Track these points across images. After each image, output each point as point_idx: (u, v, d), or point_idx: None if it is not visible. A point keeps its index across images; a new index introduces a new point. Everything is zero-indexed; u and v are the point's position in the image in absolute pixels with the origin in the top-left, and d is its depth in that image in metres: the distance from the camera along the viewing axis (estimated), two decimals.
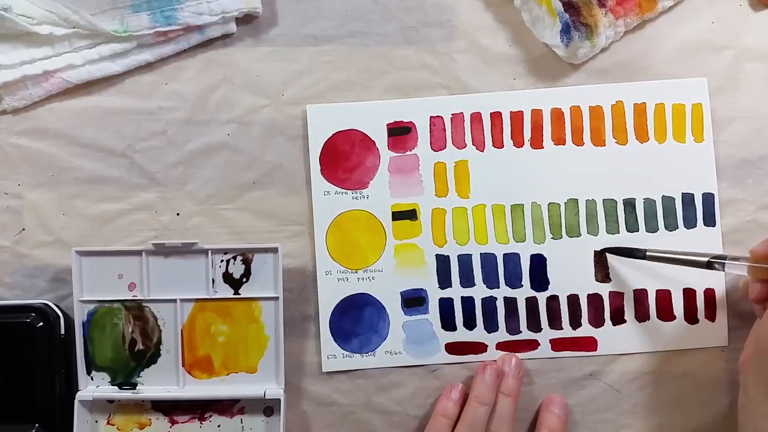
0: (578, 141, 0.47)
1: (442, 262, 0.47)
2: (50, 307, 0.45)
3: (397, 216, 0.47)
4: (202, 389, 0.46)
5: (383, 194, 0.47)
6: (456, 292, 0.47)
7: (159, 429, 0.46)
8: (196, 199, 0.47)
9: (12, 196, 0.47)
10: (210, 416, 0.46)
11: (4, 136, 0.47)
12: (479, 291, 0.47)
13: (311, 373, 0.47)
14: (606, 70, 0.47)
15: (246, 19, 0.47)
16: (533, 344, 0.47)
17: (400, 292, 0.47)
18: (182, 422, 0.46)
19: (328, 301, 0.47)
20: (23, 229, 0.47)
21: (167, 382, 0.46)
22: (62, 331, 0.45)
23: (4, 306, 0.45)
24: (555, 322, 0.47)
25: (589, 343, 0.47)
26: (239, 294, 0.46)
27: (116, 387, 0.45)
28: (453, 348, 0.47)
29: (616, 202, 0.47)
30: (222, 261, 0.45)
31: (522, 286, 0.47)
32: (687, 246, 0.46)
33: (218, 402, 0.46)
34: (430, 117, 0.47)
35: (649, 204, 0.47)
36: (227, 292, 0.46)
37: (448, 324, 0.47)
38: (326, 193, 0.47)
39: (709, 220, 0.47)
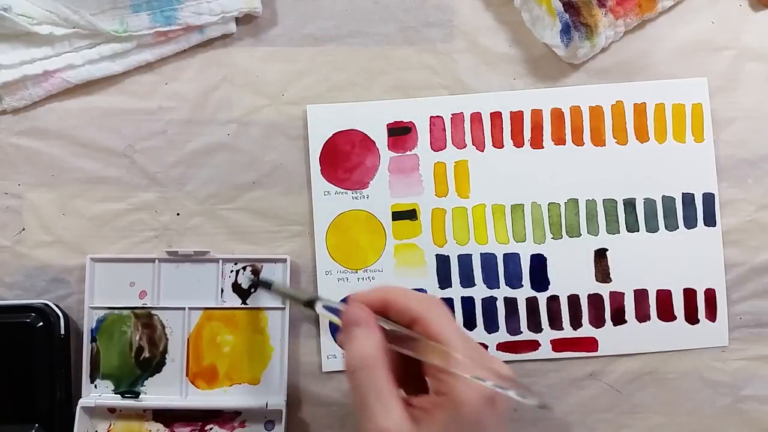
0: (578, 141, 0.47)
1: (442, 262, 0.47)
2: (50, 307, 0.45)
3: (397, 216, 0.47)
4: (204, 399, 0.46)
5: (383, 194, 0.47)
6: (456, 292, 0.47)
7: None
8: (196, 199, 0.47)
9: (12, 196, 0.47)
10: (211, 428, 0.46)
11: (4, 136, 0.47)
12: (479, 291, 0.47)
13: (311, 373, 0.47)
14: (606, 70, 0.47)
15: (246, 19, 0.47)
16: (534, 345, 0.47)
17: None
18: None
19: None
20: (23, 229, 0.47)
21: (170, 392, 0.46)
22: (62, 331, 0.45)
23: (4, 306, 0.45)
24: (555, 323, 0.47)
25: (590, 344, 0.47)
26: (247, 304, 0.46)
27: (119, 395, 0.45)
28: None
29: (617, 202, 0.47)
30: (232, 271, 0.46)
31: (522, 286, 0.47)
32: (687, 246, 0.47)
33: (220, 414, 0.46)
34: (430, 117, 0.47)
35: (650, 204, 0.47)
36: (235, 301, 0.46)
37: None
38: (326, 193, 0.47)
39: (710, 220, 0.47)
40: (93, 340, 0.45)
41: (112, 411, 0.46)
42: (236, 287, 0.46)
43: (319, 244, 0.47)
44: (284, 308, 0.45)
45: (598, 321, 0.47)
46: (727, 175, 0.47)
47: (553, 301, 0.47)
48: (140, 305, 0.46)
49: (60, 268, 0.47)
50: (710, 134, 0.47)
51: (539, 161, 0.47)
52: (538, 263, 0.47)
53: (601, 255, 0.47)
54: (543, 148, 0.47)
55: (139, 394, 0.46)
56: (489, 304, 0.47)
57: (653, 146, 0.47)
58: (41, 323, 0.44)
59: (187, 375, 0.46)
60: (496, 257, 0.47)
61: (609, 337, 0.47)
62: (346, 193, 0.47)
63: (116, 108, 0.47)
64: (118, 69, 0.47)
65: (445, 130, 0.47)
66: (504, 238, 0.47)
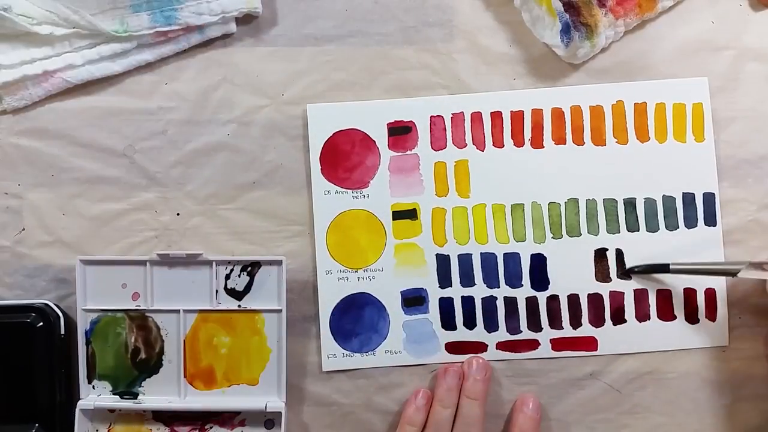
0: (579, 141, 0.47)
1: (443, 261, 0.47)
2: (50, 307, 0.45)
3: (398, 215, 0.47)
4: (203, 400, 0.45)
5: (383, 194, 0.47)
6: (456, 291, 0.47)
7: None
8: (196, 199, 0.47)
9: (12, 196, 0.47)
10: (211, 428, 0.46)
11: (4, 136, 0.47)
12: (479, 290, 0.47)
13: (311, 372, 0.47)
14: (606, 70, 0.47)
15: (246, 19, 0.47)
16: (533, 344, 0.47)
17: (401, 292, 0.47)
18: None
19: (328, 300, 0.47)
20: (23, 229, 0.47)
21: (168, 393, 0.46)
22: (62, 331, 0.45)
23: (4, 306, 0.45)
24: (555, 322, 0.47)
25: (590, 343, 0.47)
26: (242, 306, 0.46)
27: (117, 396, 0.45)
28: (453, 347, 0.47)
29: (617, 201, 0.47)
30: (226, 272, 0.45)
31: (522, 285, 0.47)
32: (687, 245, 0.46)
33: (219, 414, 0.46)
34: (431, 116, 0.47)
35: (650, 204, 0.47)
36: (230, 303, 0.46)
37: (448, 323, 0.47)
38: (326, 192, 0.47)
39: (710, 220, 0.47)
40: (88, 342, 0.45)
41: (111, 411, 0.46)
42: (231, 289, 0.45)
43: (319, 243, 0.47)
44: (281, 310, 0.45)
45: (598, 320, 0.47)
46: (728, 175, 0.47)
47: (553, 300, 0.47)
48: (133, 307, 0.45)
49: (60, 268, 0.47)
50: (711, 134, 0.47)
51: (539, 161, 0.47)
52: (538, 263, 0.47)
53: (601, 255, 0.47)
54: (543, 147, 0.47)
55: (138, 395, 0.46)
56: (489, 303, 0.47)
57: (654, 146, 0.47)
58: (41, 323, 0.44)
59: (185, 376, 0.45)
60: (496, 257, 0.47)
61: (609, 337, 0.47)
62: (346, 192, 0.47)
63: (116, 108, 0.47)
64: (118, 69, 0.47)
65: (445, 129, 0.47)
66: (504, 237, 0.47)
